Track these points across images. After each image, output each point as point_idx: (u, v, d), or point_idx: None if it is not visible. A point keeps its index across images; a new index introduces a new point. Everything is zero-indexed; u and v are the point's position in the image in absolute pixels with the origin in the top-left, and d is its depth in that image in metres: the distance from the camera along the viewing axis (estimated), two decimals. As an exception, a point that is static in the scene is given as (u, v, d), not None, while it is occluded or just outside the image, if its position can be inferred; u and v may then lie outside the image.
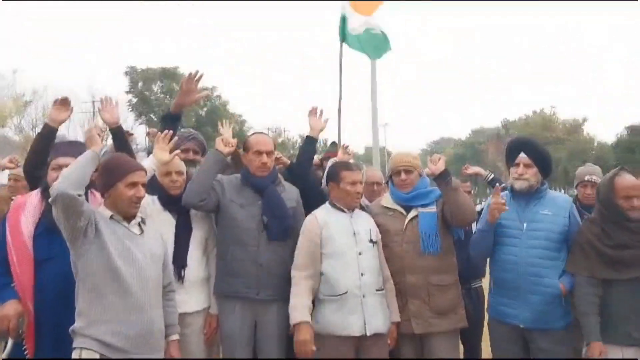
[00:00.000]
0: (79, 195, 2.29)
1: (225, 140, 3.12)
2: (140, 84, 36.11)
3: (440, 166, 3.05)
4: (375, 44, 6.16)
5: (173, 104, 3.45)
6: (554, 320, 2.92)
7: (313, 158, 3.72)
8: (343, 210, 3.07)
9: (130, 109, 34.91)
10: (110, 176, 2.48)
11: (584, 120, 38.67)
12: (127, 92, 35.40)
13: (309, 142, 3.52)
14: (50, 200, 2.30)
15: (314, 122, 3.54)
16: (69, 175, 2.31)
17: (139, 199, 2.51)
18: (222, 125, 3.32)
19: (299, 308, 2.86)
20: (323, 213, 3.07)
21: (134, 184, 2.48)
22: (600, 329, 2.77)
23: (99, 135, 2.67)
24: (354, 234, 2.99)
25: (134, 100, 35.65)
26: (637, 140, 28.05)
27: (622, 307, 2.74)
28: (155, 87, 36.38)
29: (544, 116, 45.82)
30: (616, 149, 30.16)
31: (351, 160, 4.02)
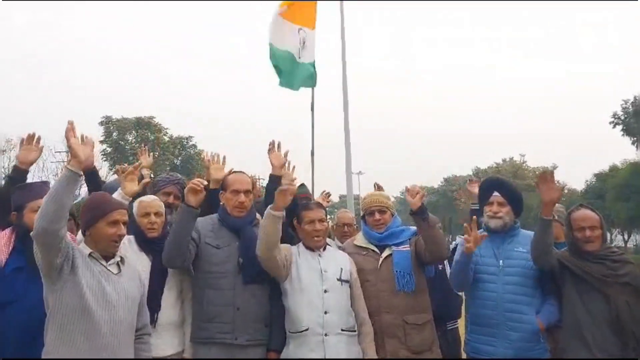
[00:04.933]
0: (60, 230, 2.22)
1: (193, 188, 2.92)
2: (115, 133, 36.02)
3: (417, 201, 3.05)
4: (301, 76, 6.33)
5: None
6: (533, 356, 2.94)
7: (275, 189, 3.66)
8: (312, 250, 3.09)
9: (105, 159, 34.61)
10: (91, 214, 2.46)
11: (554, 167, 39.83)
12: (102, 142, 35.21)
13: (273, 181, 3.45)
14: (31, 234, 2.24)
15: (274, 158, 3.51)
16: (47, 210, 2.22)
17: (120, 237, 2.48)
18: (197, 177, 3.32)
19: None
20: (296, 250, 3.11)
21: (115, 222, 2.45)
22: (573, 350, 2.83)
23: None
24: (321, 271, 3.00)
25: (109, 149, 35.43)
26: (606, 187, 28.96)
27: (594, 332, 2.79)
28: (130, 137, 36.31)
29: (514, 164, 47.08)
30: (586, 196, 30.97)
31: (325, 204, 4.08)
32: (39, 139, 3.17)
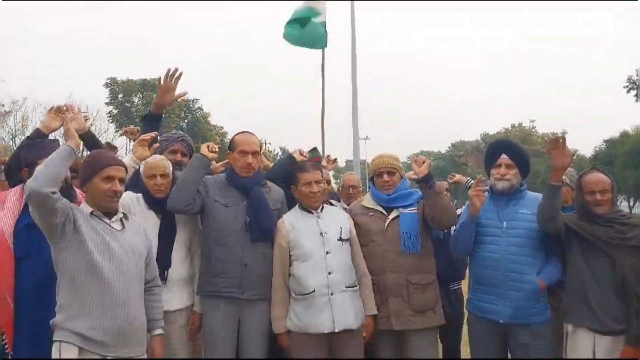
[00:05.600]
0: (53, 193, 2.28)
1: (210, 147, 3.11)
2: (120, 95, 35.83)
3: (423, 169, 3.08)
4: (315, 36, 6.48)
5: (153, 104, 3.47)
6: (534, 315, 2.98)
7: (287, 170, 3.59)
8: (310, 212, 3.11)
9: (111, 121, 34.57)
10: (87, 170, 2.51)
11: (564, 133, 39.35)
12: (107, 104, 35.10)
13: (290, 160, 3.51)
14: (25, 197, 2.31)
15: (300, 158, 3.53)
16: (43, 173, 2.30)
17: (115, 193, 2.50)
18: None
19: (277, 319, 3.01)
20: (291, 216, 3.12)
21: (109, 178, 2.48)
22: (577, 312, 2.86)
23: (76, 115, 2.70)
24: (321, 234, 3.03)
25: (115, 111, 35.33)
26: (615, 152, 28.71)
27: (598, 294, 2.81)
28: (136, 99, 36.13)
29: (523, 129, 46.64)
30: (595, 162, 30.81)
31: (330, 168, 4.10)
32: (63, 111, 3.23)
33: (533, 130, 47.00)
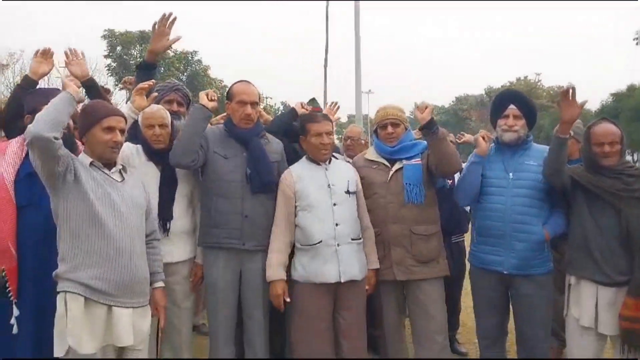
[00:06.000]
0: (55, 138, 2.21)
1: (210, 95, 3.02)
2: (118, 48, 35.19)
3: (426, 115, 3.02)
4: None
5: (147, 51, 3.38)
6: (537, 267, 2.98)
7: (288, 124, 3.56)
8: (318, 163, 3.06)
9: (110, 74, 34.10)
10: (86, 120, 2.44)
11: (570, 86, 38.64)
12: (106, 56, 34.54)
13: (291, 114, 3.48)
14: (26, 143, 2.25)
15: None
16: (43, 117, 2.23)
17: (116, 143, 2.45)
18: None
19: (273, 265, 2.95)
20: (298, 167, 3.07)
21: (110, 129, 2.42)
22: (580, 263, 2.85)
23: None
24: (329, 186, 3.00)
25: (113, 64, 34.80)
26: (621, 106, 28.35)
27: (602, 245, 2.78)
28: (135, 51, 35.49)
29: (528, 83, 45.99)
30: (600, 116, 30.48)
31: (332, 115, 4.00)
32: (52, 54, 3.15)
33: (539, 83, 46.34)
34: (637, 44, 28.27)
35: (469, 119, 46.81)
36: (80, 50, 3.20)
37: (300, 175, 3.02)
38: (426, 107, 3.04)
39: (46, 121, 2.21)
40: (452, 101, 57.43)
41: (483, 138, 3.10)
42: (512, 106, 3.07)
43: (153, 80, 3.09)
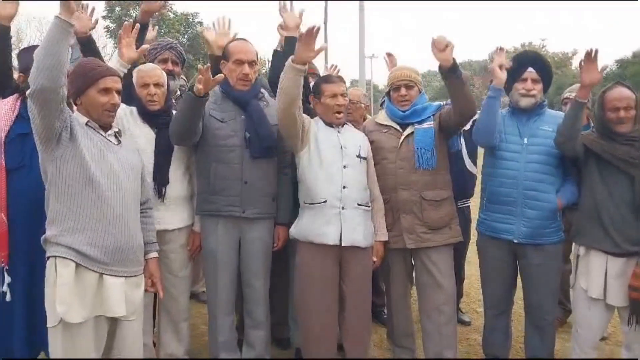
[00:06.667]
0: (61, 87, 2.01)
1: (203, 72, 2.64)
2: (117, 9, 34.47)
3: (448, 56, 2.72)
4: None
5: (140, 11, 3.21)
6: (548, 236, 2.89)
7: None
8: (331, 126, 2.92)
9: (109, 36, 33.48)
10: (81, 81, 2.24)
11: (574, 53, 38.17)
12: (104, 17, 33.83)
13: (289, 43, 3.05)
14: (28, 93, 2.04)
15: (287, 17, 3.16)
16: (44, 65, 1.98)
17: (114, 106, 2.29)
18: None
19: None
20: (315, 124, 2.92)
21: (107, 90, 2.25)
22: (590, 233, 2.76)
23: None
24: (341, 147, 2.86)
25: (112, 26, 34.15)
26: (626, 73, 27.91)
27: (613, 213, 2.70)
28: (134, 13, 34.73)
29: (533, 49, 45.23)
30: (604, 83, 30.13)
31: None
32: None
33: (543, 49, 45.53)
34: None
35: (472, 85, 46.22)
36: (87, 3, 3.03)
37: (315, 131, 2.88)
38: (446, 46, 2.73)
39: (46, 68, 1.97)
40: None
41: (500, 67, 2.87)
42: (530, 69, 2.93)
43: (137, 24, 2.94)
